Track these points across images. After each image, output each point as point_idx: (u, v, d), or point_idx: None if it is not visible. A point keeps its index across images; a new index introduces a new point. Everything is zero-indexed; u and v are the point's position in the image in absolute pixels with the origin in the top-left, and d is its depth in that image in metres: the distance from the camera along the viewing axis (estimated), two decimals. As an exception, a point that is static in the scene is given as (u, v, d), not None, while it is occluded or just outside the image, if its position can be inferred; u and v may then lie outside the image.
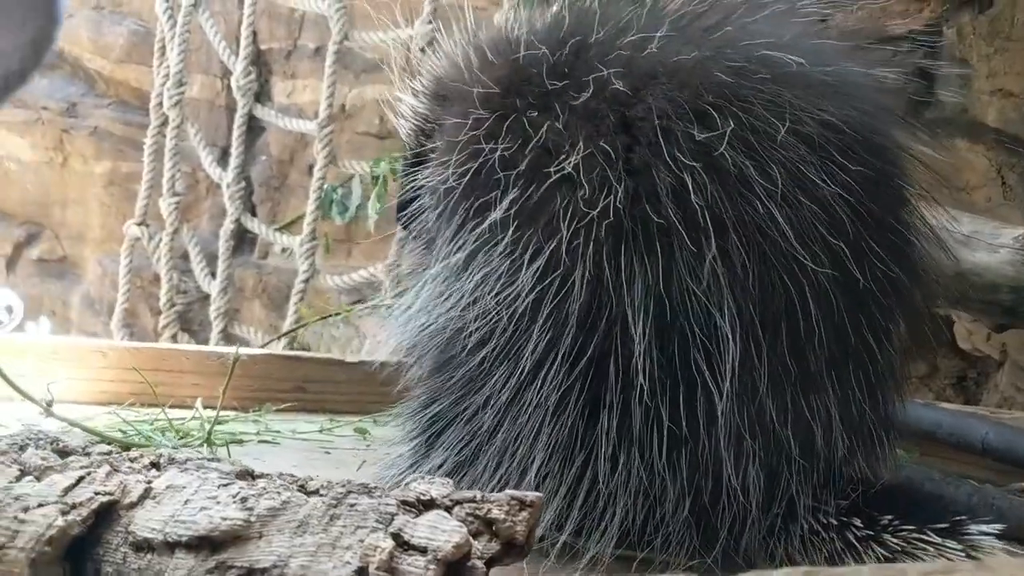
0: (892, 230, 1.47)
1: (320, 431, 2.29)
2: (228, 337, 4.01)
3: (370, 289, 3.92)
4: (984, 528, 1.35)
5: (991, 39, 2.52)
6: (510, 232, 1.43)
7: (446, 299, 1.49)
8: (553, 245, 1.41)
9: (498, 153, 1.46)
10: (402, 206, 1.75)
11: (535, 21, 1.61)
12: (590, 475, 1.42)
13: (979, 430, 2.00)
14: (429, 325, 1.52)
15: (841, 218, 1.40)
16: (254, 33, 4.08)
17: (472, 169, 1.49)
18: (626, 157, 1.42)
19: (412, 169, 1.71)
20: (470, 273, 1.46)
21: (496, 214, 1.44)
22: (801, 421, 1.40)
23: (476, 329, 1.45)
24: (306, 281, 3.77)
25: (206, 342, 4.07)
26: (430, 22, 3.50)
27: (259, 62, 4.26)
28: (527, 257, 1.42)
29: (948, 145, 2.46)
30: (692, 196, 1.37)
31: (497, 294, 1.43)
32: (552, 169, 1.42)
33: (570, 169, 1.41)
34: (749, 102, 1.41)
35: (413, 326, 1.55)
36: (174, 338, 4.17)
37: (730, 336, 1.36)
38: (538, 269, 1.41)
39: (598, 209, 1.39)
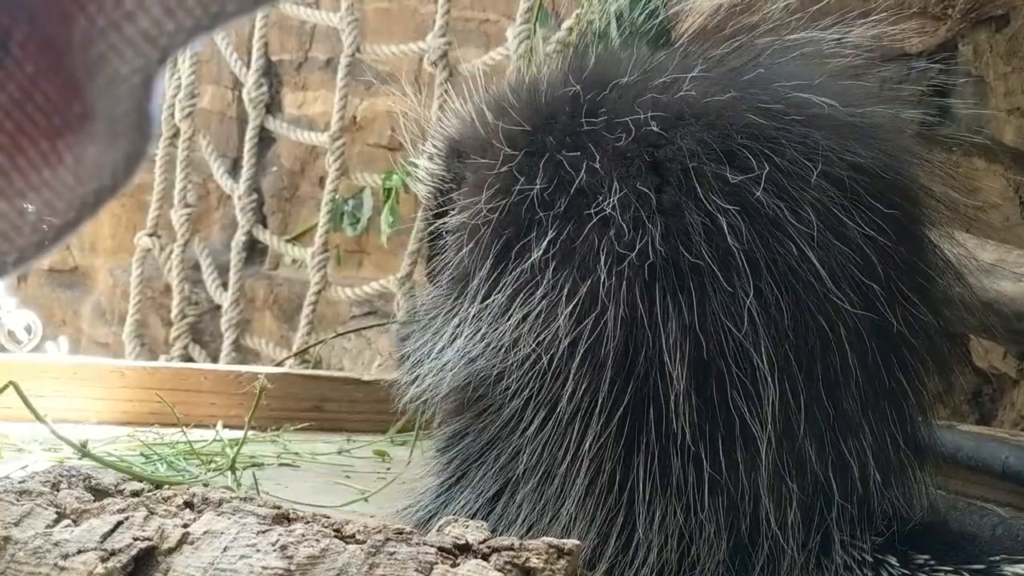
0: (920, 272, 1.48)
1: (339, 453, 2.29)
2: (240, 348, 4.01)
3: (382, 301, 3.91)
4: (1019, 570, 1.34)
5: (1008, 58, 2.51)
6: (549, 273, 1.42)
7: (485, 339, 1.47)
8: (588, 285, 1.40)
9: (535, 192, 1.46)
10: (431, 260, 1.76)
11: (547, 67, 1.63)
12: (624, 517, 1.41)
13: (999, 454, 2.00)
14: (466, 365, 1.51)
15: (872, 260, 1.39)
16: (265, 44, 4.08)
17: (505, 205, 1.48)
18: (657, 198, 1.41)
19: (434, 222, 1.72)
20: (510, 314, 1.45)
21: (536, 255, 1.43)
22: (839, 462, 1.40)
23: (515, 371, 1.44)
24: (318, 293, 3.77)
25: (217, 353, 4.07)
26: (443, 35, 3.49)
27: (270, 73, 4.25)
28: (563, 298, 1.41)
29: (965, 164, 2.46)
30: (724, 236, 1.37)
31: (536, 337, 1.42)
32: (593, 211, 1.41)
33: (608, 211, 1.40)
34: (780, 143, 1.40)
35: (448, 364, 1.54)
36: (185, 349, 4.17)
37: (768, 377, 1.35)
38: (574, 310, 1.40)
39: (631, 249, 1.39)
